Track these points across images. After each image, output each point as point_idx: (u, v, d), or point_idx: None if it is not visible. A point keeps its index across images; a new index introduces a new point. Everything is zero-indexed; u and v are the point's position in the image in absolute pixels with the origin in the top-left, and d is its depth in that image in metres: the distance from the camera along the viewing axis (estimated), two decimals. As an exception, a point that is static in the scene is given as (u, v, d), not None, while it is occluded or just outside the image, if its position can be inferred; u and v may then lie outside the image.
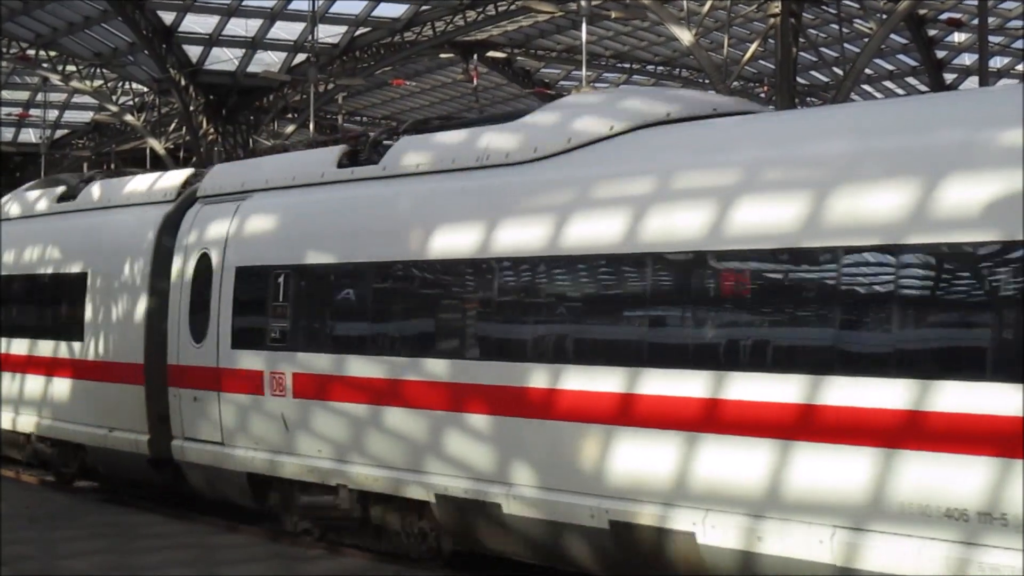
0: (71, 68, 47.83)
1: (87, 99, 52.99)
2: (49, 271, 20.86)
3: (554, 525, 12.54)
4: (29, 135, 61.56)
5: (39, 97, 54.44)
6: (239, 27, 42.99)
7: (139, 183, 20.10)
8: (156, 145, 50.11)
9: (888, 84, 50.04)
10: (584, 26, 35.39)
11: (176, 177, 19.32)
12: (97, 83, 48.90)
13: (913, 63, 46.81)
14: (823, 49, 40.82)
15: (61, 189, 21.94)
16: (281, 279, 15.84)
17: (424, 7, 42.57)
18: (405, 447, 14.06)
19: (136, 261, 18.48)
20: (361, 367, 14.65)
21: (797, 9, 30.87)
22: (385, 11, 43.06)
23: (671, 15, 33.79)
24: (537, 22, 45.35)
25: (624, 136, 13.03)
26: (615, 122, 13.16)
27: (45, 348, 20.50)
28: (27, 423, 20.81)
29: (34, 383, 20.69)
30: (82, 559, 14.51)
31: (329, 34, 43.20)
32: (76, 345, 19.57)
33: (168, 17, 41.73)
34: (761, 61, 43.91)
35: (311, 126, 41.01)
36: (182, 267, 17.40)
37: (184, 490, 17.96)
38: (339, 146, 16.56)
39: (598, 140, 13.11)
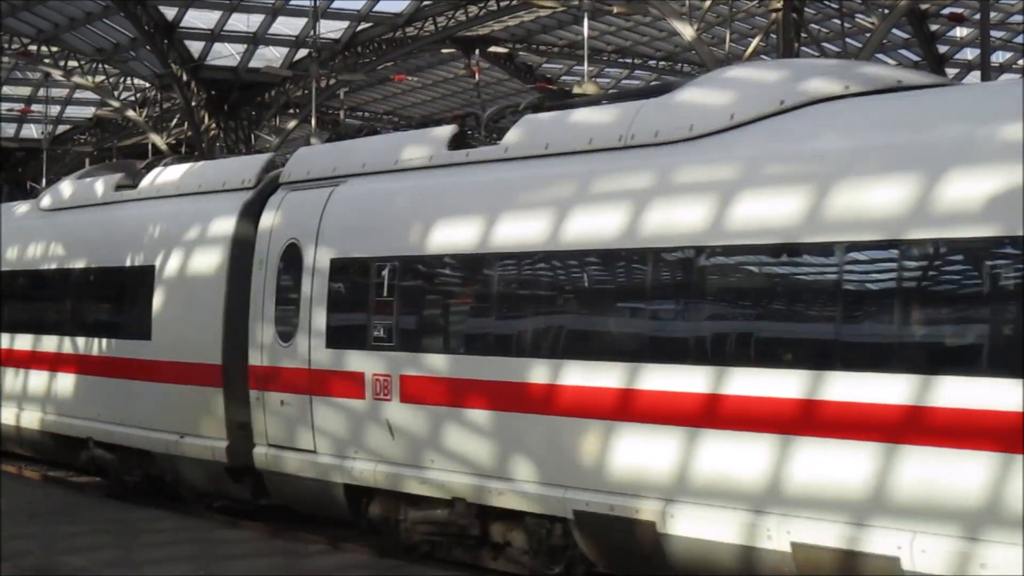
0: (73, 64, 47.80)
1: (89, 95, 52.99)
2: (109, 264, 19.49)
3: (721, 547, 11.22)
4: (31, 131, 61.51)
5: (41, 93, 54.46)
6: (241, 22, 42.96)
7: (212, 170, 18.96)
8: (158, 140, 50.09)
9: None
10: (586, 21, 35.41)
11: (255, 163, 18.05)
12: (99, 79, 48.88)
13: (915, 58, 46.74)
14: (825, 44, 40.74)
15: (119, 177, 20.59)
16: (386, 271, 14.53)
17: (426, 2, 42.55)
18: (536, 457, 12.82)
19: (212, 253, 17.17)
20: (484, 369, 13.36)
21: (799, 4, 30.84)
22: (387, 6, 43.18)
23: (673, 10, 33.77)
24: (539, 17, 45.30)
25: (797, 112, 11.68)
26: (785, 96, 11.81)
27: (104, 347, 19.29)
28: (84, 427, 19.47)
29: (91, 384, 19.44)
30: (84, 555, 14.53)
31: (331, 29, 43.18)
32: (141, 344, 18.26)
33: (170, 12, 41.69)
34: (763, 56, 43.84)
35: (313, 122, 40.99)
36: (265, 259, 16.12)
37: (263, 502, 16.88)
38: (448, 127, 15.29)
39: (765, 117, 11.75)
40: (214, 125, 44.13)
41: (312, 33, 39.63)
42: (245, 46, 44.14)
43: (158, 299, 17.99)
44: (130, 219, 19.32)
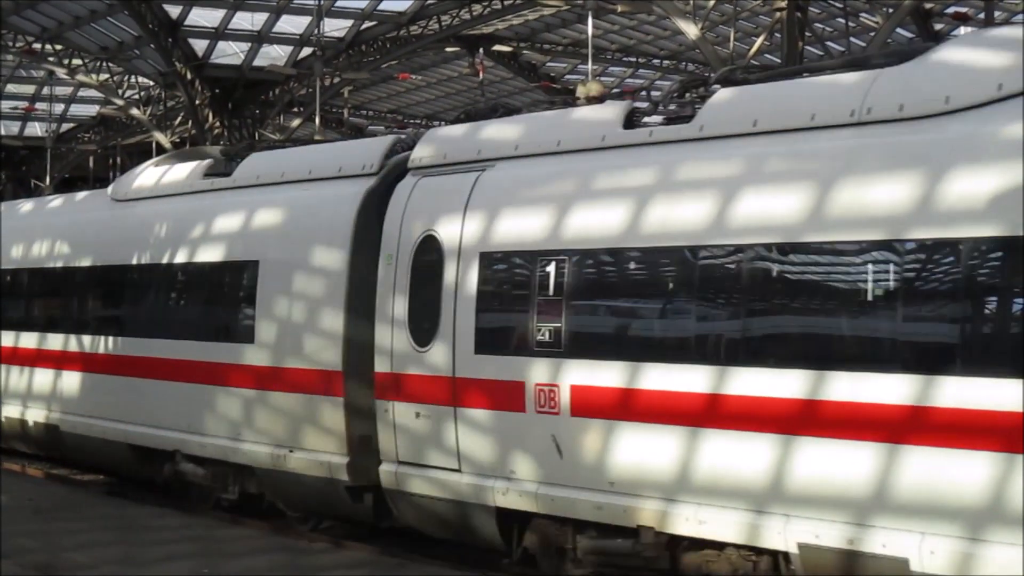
0: (77, 62, 47.83)
1: (93, 93, 53.01)
2: (201, 259, 17.68)
3: None
4: (35, 129, 61.54)
5: (45, 91, 54.53)
6: (245, 21, 42.97)
7: (324, 155, 17.13)
8: (162, 139, 50.14)
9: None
10: (590, 20, 35.33)
11: (376, 146, 16.11)
12: (103, 77, 48.92)
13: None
14: (829, 43, 40.71)
15: (206, 164, 18.85)
16: (553, 266, 12.82)
17: (430, 1, 42.54)
18: (746, 481, 11.13)
19: (328, 246, 15.42)
20: (685, 380, 11.59)
21: (803, 3, 30.83)
22: (391, 5, 43.07)
23: (677, 9, 33.75)
24: (543, 16, 45.31)
25: None
26: None
27: (195, 351, 17.37)
28: (170, 439, 17.70)
29: (180, 392, 17.57)
30: (86, 551, 14.52)
31: (335, 28, 43.18)
32: (242, 348, 16.49)
33: (174, 11, 41.71)
34: (767, 55, 43.86)
35: (317, 120, 41.01)
36: (396, 253, 14.44)
37: (385, 524, 15.34)
38: (619, 103, 13.88)
39: None
40: (218, 123, 44.14)
41: (316, 31, 39.64)
42: (249, 44, 44.15)
43: (263, 298, 16.27)
44: (226, 210, 17.55)
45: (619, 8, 38.55)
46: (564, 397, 12.51)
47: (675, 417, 11.63)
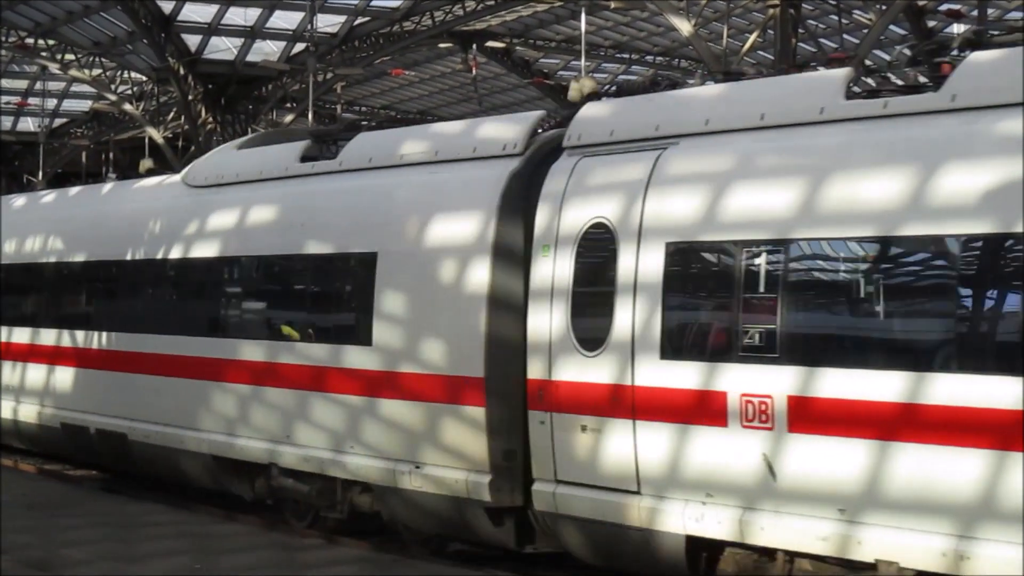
0: (70, 57, 47.77)
1: (86, 88, 52.93)
2: (303, 251, 16.03)
3: None
4: (28, 124, 61.46)
5: (38, 86, 54.37)
6: (238, 16, 42.93)
7: (452, 135, 15.44)
8: (155, 134, 50.07)
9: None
10: (583, 16, 35.43)
11: (519, 124, 14.32)
12: (96, 72, 48.84)
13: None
14: (822, 40, 40.72)
15: (303, 146, 17.12)
16: (763, 258, 11.29)
17: (423, -3, 42.53)
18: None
19: (465, 236, 13.77)
20: (950, 390, 9.95)
21: (796, 0, 30.84)
22: (384, 1, 43.01)
23: (670, 5, 33.76)
24: (536, 12, 45.28)
25: None
26: None
27: (296, 353, 15.80)
28: (266, 451, 16.07)
29: (278, 399, 15.97)
30: (82, 547, 14.53)
31: (328, 23, 43.14)
32: (356, 351, 14.89)
33: (167, 6, 41.67)
34: (760, 52, 43.88)
35: (310, 115, 40.97)
36: (554, 244, 12.87)
37: (529, 549, 13.88)
38: (838, 70, 12.22)
39: None
40: (211, 119, 44.11)
41: (309, 27, 39.59)
42: (242, 40, 44.13)
43: (382, 295, 14.57)
44: (332, 196, 15.93)
45: (612, 4, 38.54)
46: (779, 409, 10.91)
47: (934, 434, 10.01)
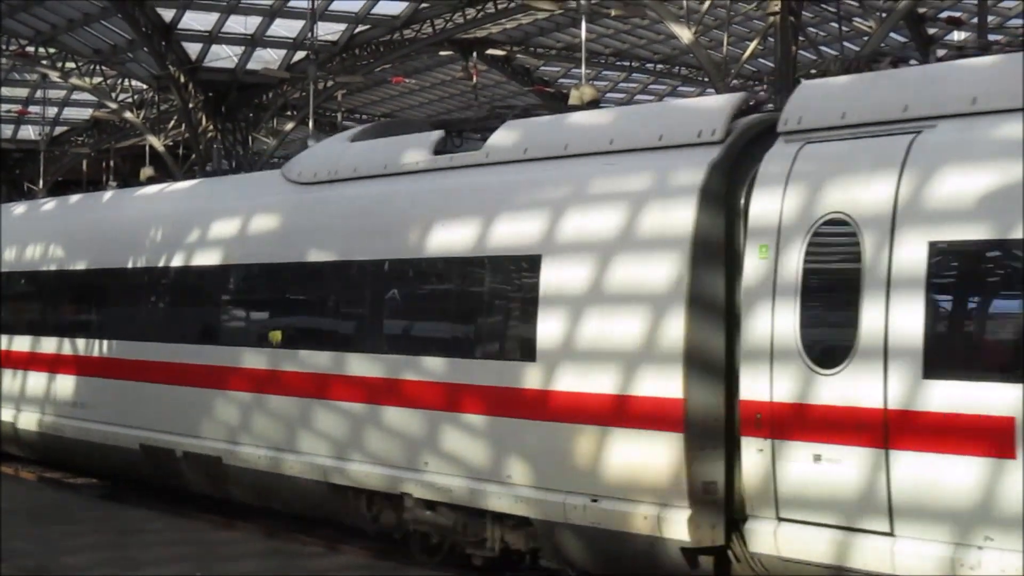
0: (70, 65, 47.77)
1: (86, 96, 52.93)
2: (442, 255, 14.25)
3: None
4: (28, 132, 61.51)
5: (38, 94, 54.48)
6: (238, 24, 42.95)
7: (630, 121, 13.70)
8: (155, 142, 50.07)
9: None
10: (584, 24, 35.34)
11: (718, 107, 12.74)
12: (96, 80, 48.85)
13: (913, 62, 46.75)
14: (823, 47, 40.74)
15: (436, 137, 15.28)
16: None
17: (424, 4, 42.53)
18: None
19: (653, 236, 12.16)
20: None
21: (797, 7, 30.83)
22: (384, 8, 43.04)
23: (671, 13, 33.76)
24: (536, 20, 45.31)
25: None
26: None
27: (435, 370, 13.97)
28: (397, 478, 14.23)
29: (414, 421, 14.14)
30: (81, 555, 14.51)
31: (328, 31, 43.16)
32: (516, 367, 13.07)
33: (167, 14, 41.69)
34: (761, 59, 43.89)
35: (310, 123, 40.98)
36: (775, 243, 11.27)
37: None
38: None
39: None
40: (211, 127, 44.13)
41: (310, 35, 39.60)
42: (243, 48, 44.15)
43: (548, 303, 12.82)
44: (479, 191, 14.14)
45: (613, 12, 38.54)
46: None
47: None
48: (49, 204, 24.27)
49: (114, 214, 20.94)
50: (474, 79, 48.74)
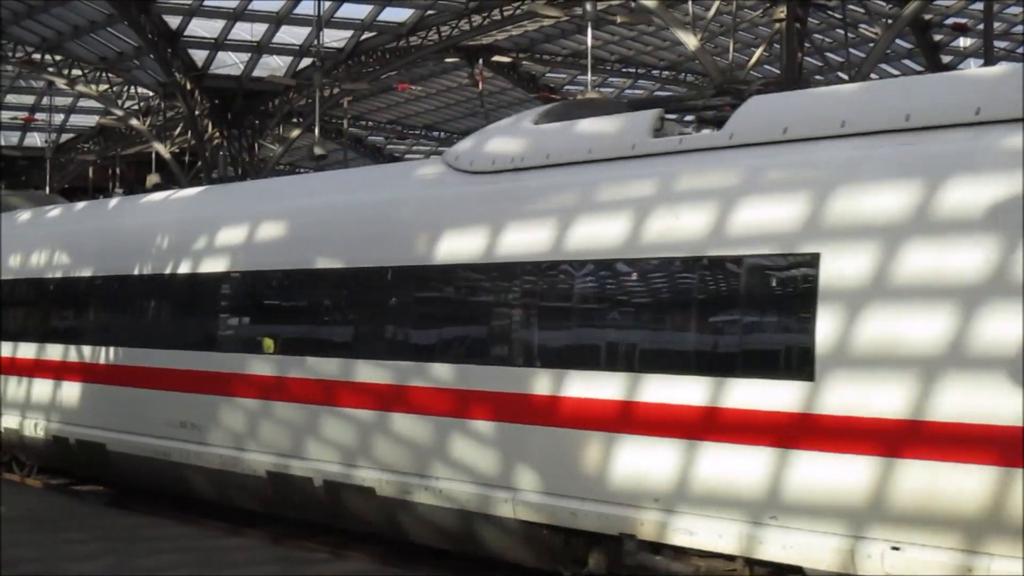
0: (76, 72, 47.90)
1: (92, 103, 53.08)
2: (663, 254, 12.03)
3: None
4: (34, 139, 61.62)
5: (44, 101, 54.59)
6: (244, 31, 43.05)
7: (930, 93, 11.27)
8: (161, 149, 50.15)
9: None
10: (589, 31, 35.37)
11: None
12: (102, 87, 48.96)
13: (919, 68, 46.76)
14: (828, 54, 40.76)
15: (654, 116, 13.11)
16: None
17: (429, 12, 42.60)
18: None
19: (984, 232, 9.90)
20: None
21: (802, 14, 30.86)
22: (390, 15, 43.13)
23: (676, 20, 33.78)
24: (542, 27, 45.37)
25: None
26: None
27: (669, 390, 11.74)
28: (615, 517, 12.03)
29: (635, 449, 11.90)
30: (86, 562, 14.48)
31: (334, 38, 43.25)
32: (786, 387, 10.88)
33: (174, 21, 41.77)
34: (766, 66, 43.93)
35: (316, 130, 41.02)
36: None
37: None
38: None
39: None
40: (217, 134, 44.22)
41: (316, 42, 39.68)
42: (249, 55, 44.23)
43: (830, 309, 10.70)
44: (721, 179, 11.92)
45: (618, 19, 38.58)
46: None
47: None
48: (153, 198, 21.35)
49: (233, 211, 18.04)
50: (480, 86, 48.79)
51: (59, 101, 55.26)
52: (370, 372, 14.69)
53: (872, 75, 42.39)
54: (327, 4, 40.04)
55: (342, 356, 15.14)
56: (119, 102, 49.95)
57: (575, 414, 12.41)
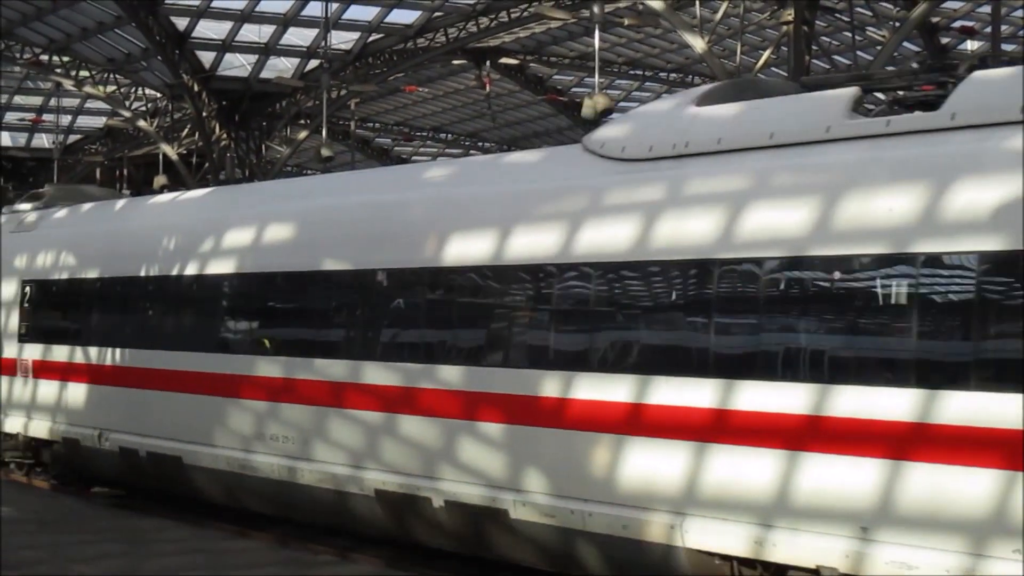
0: (84, 73, 47.90)
1: (100, 105, 53.10)
2: (871, 250, 10.48)
3: None
4: (42, 140, 61.67)
5: (52, 102, 54.61)
6: (252, 33, 43.05)
7: None
8: (169, 151, 50.17)
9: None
10: (597, 33, 35.36)
11: None
12: (110, 88, 48.97)
13: (926, 71, 46.71)
14: (836, 57, 40.71)
15: (852, 95, 11.59)
16: None
17: (437, 13, 42.58)
18: None
19: None
20: None
21: (810, 16, 30.81)
22: (398, 17, 43.11)
23: (684, 22, 33.75)
24: (549, 29, 45.34)
25: None
26: None
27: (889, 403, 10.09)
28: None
29: (862, 470, 10.15)
30: (92, 564, 14.49)
31: (342, 40, 43.22)
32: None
33: (181, 23, 41.77)
34: (774, 68, 43.86)
35: (324, 132, 41.02)
36: None
37: None
38: None
39: None
40: (225, 135, 44.21)
41: (323, 44, 39.66)
42: (256, 57, 44.25)
43: None
44: (943, 167, 10.31)
45: (626, 21, 38.54)
46: None
47: None
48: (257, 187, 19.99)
49: (318, 203, 16.61)
50: (487, 88, 48.77)
51: (67, 102, 55.27)
52: (531, 384, 12.85)
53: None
54: (335, 6, 40.03)
55: (480, 364, 13.52)
56: (127, 103, 49.96)
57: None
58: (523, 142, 58.05)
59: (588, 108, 32.09)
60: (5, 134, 60.53)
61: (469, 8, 41.98)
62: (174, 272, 18.04)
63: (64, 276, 20.56)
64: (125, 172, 59.03)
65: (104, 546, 15.60)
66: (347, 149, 54.08)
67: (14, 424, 21.22)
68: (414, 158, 62.75)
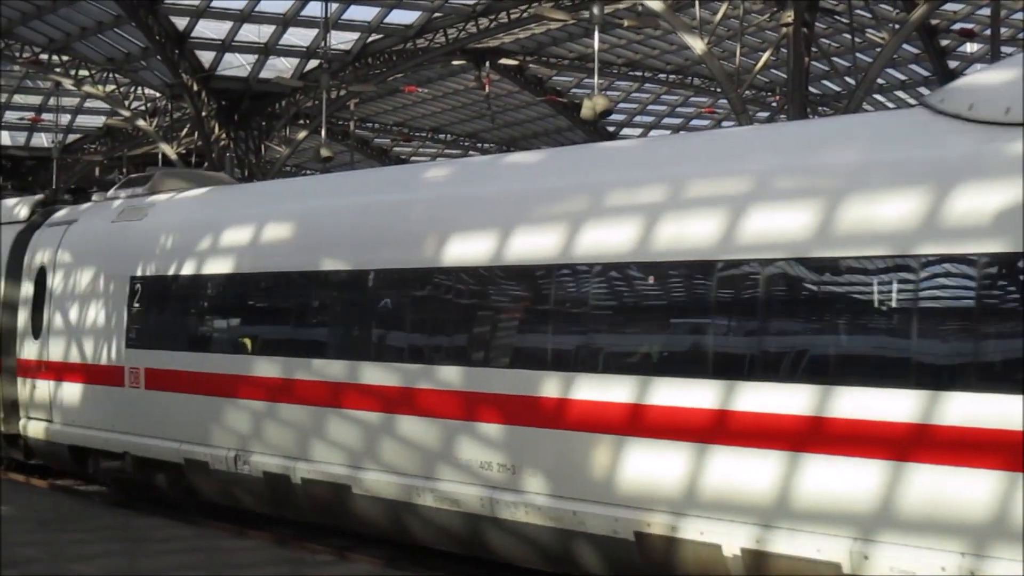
0: (84, 73, 47.90)
1: (99, 104, 53.10)
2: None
3: None
4: (41, 139, 61.67)
5: (51, 101, 54.61)
6: (252, 33, 43.06)
7: None
8: (168, 150, 50.17)
9: (900, 94, 50.03)
10: (596, 34, 35.38)
11: None
12: (110, 88, 48.96)
13: (925, 73, 46.74)
14: (835, 59, 40.74)
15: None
16: None
17: (436, 14, 42.61)
18: None
19: None
20: None
21: (809, 18, 30.84)
22: (397, 18, 43.15)
23: (683, 24, 33.79)
24: (549, 30, 45.38)
25: None
26: None
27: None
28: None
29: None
30: (91, 562, 14.49)
31: (341, 40, 43.24)
32: None
33: (181, 23, 41.78)
34: (773, 70, 43.94)
35: (323, 132, 41.03)
36: None
37: None
38: None
39: None
40: (224, 135, 44.21)
41: (323, 44, 39.68)
42: (256, 56, 44.26)
43: None
44: None
45: (626, 23, 38.59)
46: None
47: None
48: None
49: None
50: (487, 89, 48.81)
51: (66, 102, 55.28)
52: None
53: (879, 80, 42.42)
54: (334, 6, 40.05)
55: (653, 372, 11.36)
56: (126, 103, 49.96)
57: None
58: (522, 143, 58.11)
59: (587, 109, 32.10)
60: (4, 133, 60.53)
61: (469, 9, 42.00)
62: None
63: (189, 272, 17.32)
64: (124, 171, 59.01)
65: (102, 545, 15.60)
66: (346, 149, 54.18)
67: (121, 442, 18.38)
68: (413, 158, 62.78)
